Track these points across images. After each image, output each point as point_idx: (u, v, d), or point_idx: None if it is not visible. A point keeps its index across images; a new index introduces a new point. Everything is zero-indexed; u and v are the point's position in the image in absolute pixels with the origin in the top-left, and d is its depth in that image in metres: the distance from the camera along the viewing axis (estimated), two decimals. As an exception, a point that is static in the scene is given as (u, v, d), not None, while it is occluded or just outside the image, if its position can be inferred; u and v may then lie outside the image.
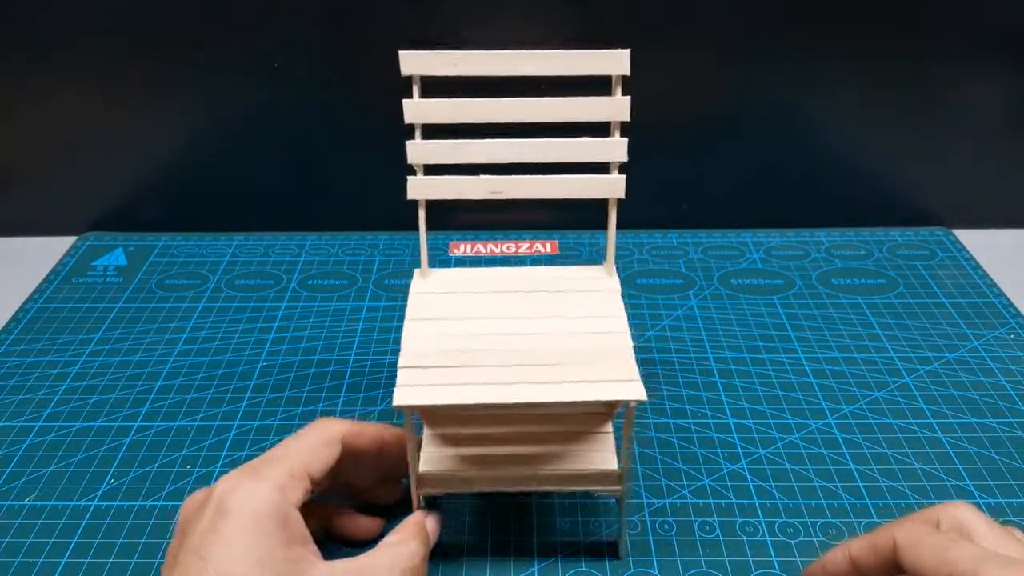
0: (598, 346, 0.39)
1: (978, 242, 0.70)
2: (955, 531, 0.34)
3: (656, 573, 0.42)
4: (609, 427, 0.43)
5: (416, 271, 0.47)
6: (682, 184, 0.70)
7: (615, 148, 0.42)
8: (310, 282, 0.66)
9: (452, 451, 0.41)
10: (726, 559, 0.43)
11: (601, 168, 0.43)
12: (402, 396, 0.36)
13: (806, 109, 0.67)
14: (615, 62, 0.40)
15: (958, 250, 0.69)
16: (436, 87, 0.42)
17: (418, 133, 0.43)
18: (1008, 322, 0.61)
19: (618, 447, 0.41)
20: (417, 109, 0.42)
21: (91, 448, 0.50)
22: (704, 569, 0.43)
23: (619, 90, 0.41)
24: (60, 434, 0.51)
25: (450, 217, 0.72)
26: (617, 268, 0.45)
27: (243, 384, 0.55)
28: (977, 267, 0.67)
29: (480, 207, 0.71)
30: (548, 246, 0.70)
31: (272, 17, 0.63)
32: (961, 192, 0.72)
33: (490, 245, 0.68)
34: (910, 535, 0.34)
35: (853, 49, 0.64)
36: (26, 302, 0.64)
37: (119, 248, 0.71)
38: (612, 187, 0.43)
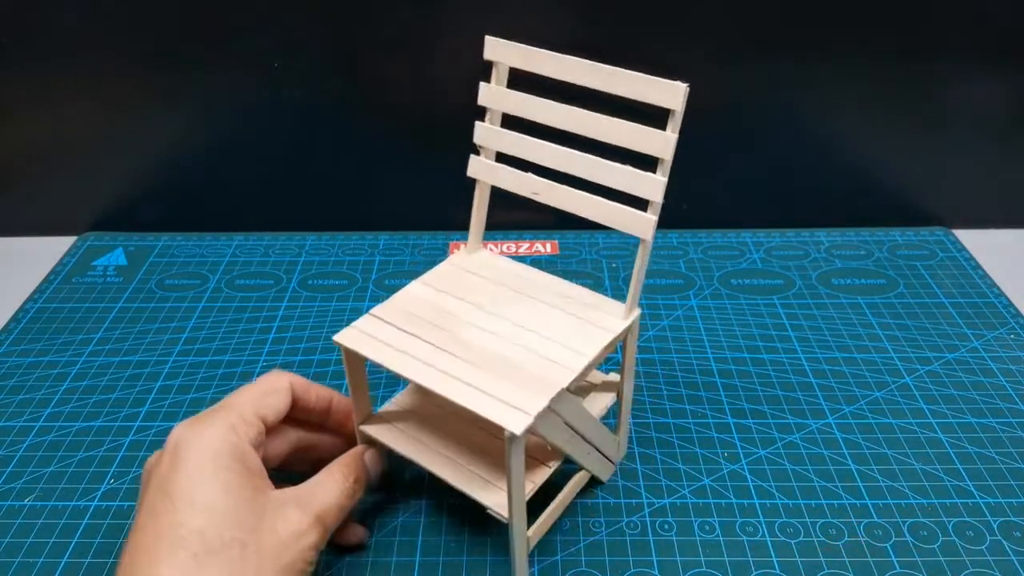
0: (535, 371, 0.39)
1: (978, 242, 0.70)
2: None
3: (656, 573, 0.42)
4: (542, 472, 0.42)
5: (463, 245, 0.49)
6: (682, 184, 0.70)
7: (651, 185, 0.38)
8: (310, 282, 0.66)
9: (400, 409, 0.45)
10: (726, 559, 0.43)
11: (636, 198, 0.40)
12: (345, 335, 0.41)
13: (806, 109, 0.67)
14: (668, 94, 0.37)
15: (958, 250, 0.69)
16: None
17: (488, 117, 0.45)
18: (1008, 322, 0.61)
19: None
20: (492, 94, 0.44)
21: (91, 448, 0.50)
22: (704, 569, 0.43)
23: (672, 125, 0.38)
24: (60, 434, 0.51)
25: (450, 217, 0.72)
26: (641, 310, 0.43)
27: (243, 384, 0.55)
28: (977, 267, 0.67)
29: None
30: (548, 246, 0.70)
31: (272, 18, 0.63)
32: (961, 192, 0.72)
33: (490, 245, 0.68)
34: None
35: (854, 49, 0.64)
36: (26, 302, 0.64)
37: (119, 248, 0.71)
38: (643, 226, 0.39)
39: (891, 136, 0.69)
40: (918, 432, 0.51)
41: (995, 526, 0.45)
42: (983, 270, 0.67)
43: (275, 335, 0.60)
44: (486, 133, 0.45)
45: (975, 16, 0.63)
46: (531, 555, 0.43)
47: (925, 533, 0.44)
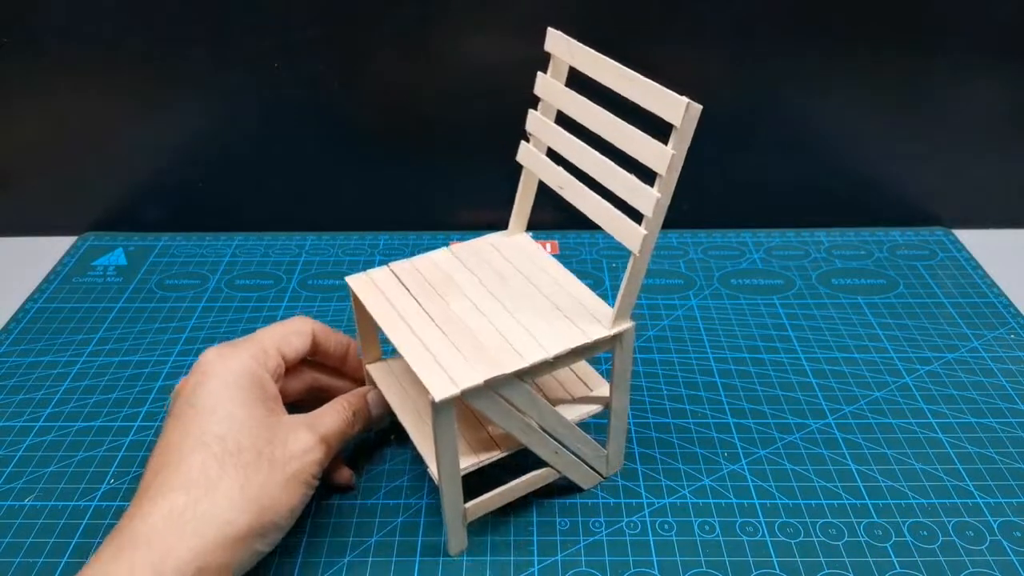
0: (492, 352, 0.40)
1: (978, 242, 0.70)
2: None
3: (656, 573, 0.42)
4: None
5: (508, 229, 0.50)
6: (682, 184, 0.70)
7: (646, 199, 0.37)
8: (310, 282, 0.66)
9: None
10: (726, 559, 0.43)
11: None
12: (355, 279, 0.46)
13: (806, 109, 0.67)
14: (671, 108, 0.35)
15: (958, 250, 0.69)
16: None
17: (541, 107, 0.45)
18: (1008, 322, 0.61)
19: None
20: (547, 86, 0.44)
21: (91, 448, 0.50)
22: (704, 569, 0.43)
23: (674, 141, 0.36)
24: (60, 434, 0.51)
25: (450, 217, 0.72)
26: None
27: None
28: (977, 267, 0.67)
29: (481, 206, 0.71)
30: (548, 246, 0.70)
31: (272, 18, 0.63)
32: (961, 192, 0.72)
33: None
34: None
35: (853, 49, 0.64)
36: (26, 302, 0.64)
37: (119, 248, 0.71)
38: (633, 239, 0.39)
39: (891, 136, 0.69)
40: (918, 432, 0.51)
41: (995, 526, 0.45)
42: (983, 270, 0.67)
43: (275, 335, 0.60)
44: (538, 123, 0.45)
45: (975, 16, 0.63)
46: (531, 555, 0.43)
47: (925, 533, 0.44)
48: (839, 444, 0.50)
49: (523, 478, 0.44)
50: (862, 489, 0.47)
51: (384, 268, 0.47)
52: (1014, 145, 0.69)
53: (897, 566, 0.43)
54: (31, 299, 0.64)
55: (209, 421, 0.39)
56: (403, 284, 0.45)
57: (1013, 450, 0.50)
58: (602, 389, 0.46)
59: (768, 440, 0.51)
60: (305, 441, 0.41)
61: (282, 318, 0.61)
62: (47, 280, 0.66)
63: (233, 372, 0.41)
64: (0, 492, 0.48)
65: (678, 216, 0.72)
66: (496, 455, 0.42)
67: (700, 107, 0.35)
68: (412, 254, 0.69)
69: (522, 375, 0.39)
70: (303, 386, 0.47)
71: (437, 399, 0.37)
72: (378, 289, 0.45)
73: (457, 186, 0.71)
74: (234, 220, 0.73)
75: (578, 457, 0.45)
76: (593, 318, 0.42)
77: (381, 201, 0.72)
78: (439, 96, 0.67)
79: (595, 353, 0.42)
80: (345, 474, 0.47)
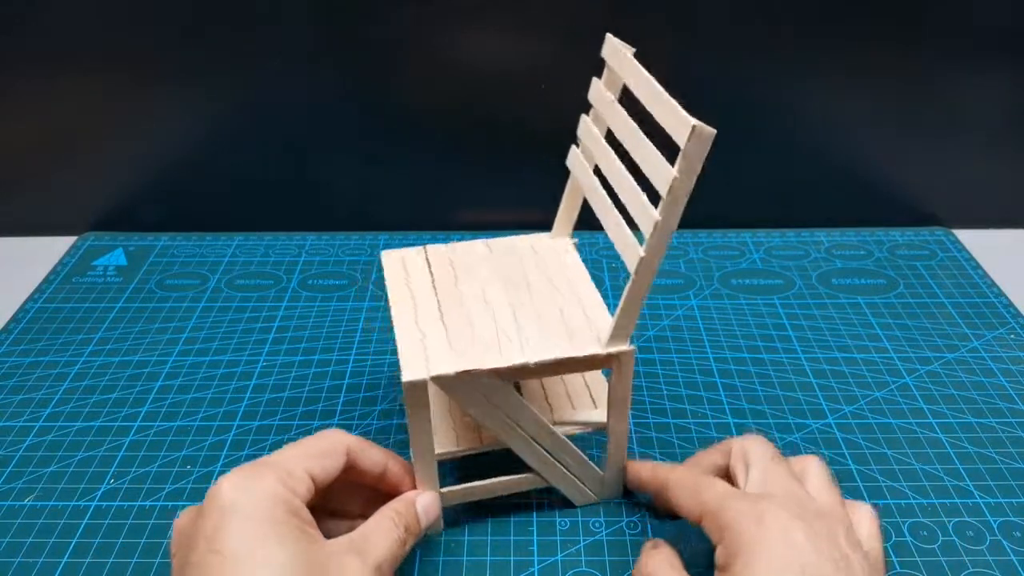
0: (479, 348, 0.40)
1: (978, 242, 0.70)
2: (741, 461, 0.39)
3: (656, 573, 0.42)
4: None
5: (552, 232, 0.50)
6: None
7: (646, 216, 0.36)
8: (310, 282, 0.66)
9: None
10: (726, 559, 0.43)
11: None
12: (388, 254, 0.48)
13: (806, 109, 0.67)
14: (678, 128, 0.34)
15: (958, 250, 0.69)
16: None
17: (592, 114, 0.45)
18: (1008, 322, 0.61)
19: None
20: (597, 91, 0.44)
21: (91, 448, 0.50)
22: (704, 569, 0.43)
23: (681, 165, 0.34)
24: (60, 434, 0.51)
25: (451, 217, 0.72)
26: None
27: (243, 384, 0.55)
28: (977, 267, 0.67)
29: (481, 206, 0.71)
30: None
31: (272, 17, 0.63)
32: (961, 192, 0.72)
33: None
34: (678, 479, 0.40)
35: (853, 49, 0.64)
36: (26, 302, 0.64)
37: (119, 248, 0.71)
38: (631, 256, 0.37)
39: (891, 136, 0.69)
40: (918, 432, 0.51)
41: (995, 526, 0.45)
42: (983, 270, 0.67)
43: (275, 335, 0.60)
44: (585, 127, 0.45)
45: (975, 16, 0.63)
46: (531, 555, 0.43)
47: (925, 533, 0.44)
48: (839, 444, 0.50)
49: (505, 478, 0.44)
50: (862, 489, 0.47)
51: (420, 248, 0.48)
52: (1014, 145, 0.69)
53: (897, 566, 0.43)
54: (31, 299, 0.64)
55: (244, 572, 0.32)
56: (429, 267, 0.46)
57: (1013, 450, 0.50)
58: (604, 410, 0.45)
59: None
60: (358, 574, 0.34)
61: (282, 318, 0.62)
62: (47, 280, 0.66)
63: (260, 503, 0.33)
64: (0, 492, 0.48)
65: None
66: (478, 448, 0.43)
67: (712, 132, 0.33)
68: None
69: (501, 375, 0.39)
70: (359, 510, 0.41)
71: (404, 379, 0.38)
72: (404, 268, 0.46)
73: (458, 186, 0.71)
74: (234, 220, 0.73)
75: (569, 471, 0.44)
76: (593, 334, 0.41)
77: (381, 201, 0.72)
78: (440, 96, 0.67)
79: (590, 369, 0.41)
80: None
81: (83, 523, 0.45)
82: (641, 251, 0.37)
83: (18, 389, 0.55)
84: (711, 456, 0.42)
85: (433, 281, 0.45)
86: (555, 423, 0.44)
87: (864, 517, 0.38)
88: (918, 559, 0.43)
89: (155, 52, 0.65)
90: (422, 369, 0.38)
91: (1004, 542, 0.44)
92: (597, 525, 0.45)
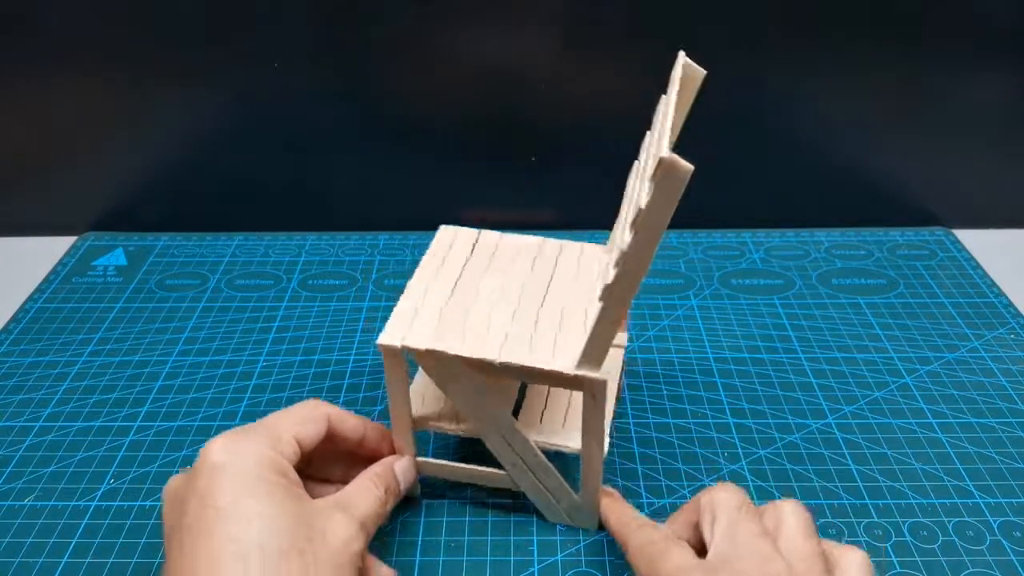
0: (461, 332, 0.41)
1: (978, 242, 0.70)
2: (708, 513, 0.36)
3: (656, 573, 0.42)
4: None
5: (607, 244, 0.49)
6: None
7: (620, 238, 0.36)
8: (310, 282, 0.66)
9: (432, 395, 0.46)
10: (726, 559, 0.43)
11: None
12: (444, 230, 0.49)
13: (806, 109, 0.67)
14: (653, 157, 0.32)
15: (958, 250, 0.69)
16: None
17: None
18: (1008, 322, 0.61)
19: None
20: (660, 109, 0.43)
21: (91, 448, 0.50)
22: (704, 569, 0.43)
23: (650, 197, 0.32)
24: (60, 434, 0.51)
25: (451, 217, 0.72)
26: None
27: (243, 384, 0.55)
28: (977, 267, 0.67)
29: (482, 206, 0.71)
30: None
31: (272, 17, 0.63)
32: (961, 192, 0.72)
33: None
34: (637, 547, 0.37)
35: (853, 49, 0.64)
36: (26, 302, 0.64)
37: (119, 248, 0.71)
38: (605, 280, 0.36)
39: (891, 136, 0.69)
40: (918, 432, 0.51)
41: (995, 526, 0.45)
42: (983, 270, 0.67)
43: (275, 335, 0.60)
44: (645, 146, 0.45)
45: (975, 16, 0.63)
46: (531, 555, 0.43)
47: (925, 533, 0.44)
48: (839, 444, 0.50)
49: (482, 468, 0.44)
50: (862, 489, 0.47)
51: (475, 232, 0.49)
52: (1014, 145, 0.69)
53: (897, 566, 0.43)
54: (31, 299, 0.64)
55: (238, 525, 0.33)
56: (472, 252, 0.47)
57: (1013, 450, 0.50)
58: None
59: (768, 440, 0.51)
60: (345, 530, 0.36)
61: (282, 318, 0.62)
62: (47, 280, 0.66)
63: (250, 462, 0.35)
64: (0, 492, 0.48)
65: (678, 215, 0.73)
66: (454, 429, 0.43)
67: (688, 169, 0.30)
68: (412, 254, 0.70)
69: (469, 364, 0.39)
70: (340, 475, 0.43)
71: (378, 341, 0.40)
72: (450, 246, 0.48)
73: (457, 186, 0.71)
74: (234, 220, 0.73)
75: (542, 485, 0.44)
76: (571, 350, 0.39)
77: (381, 201, 0.72)
78: (440, 96, 0.67)
79: (565, 387, 0.39)
80: (384, 573, 0.40)
81: (83, 523, 0.45)
82: (610, 277, 0.35)
83: (18, 389, 0.55)
84: (684, 515, 0.38)
85: (464, 265, 0.46)
86: (535, 437, 0.43)
87: (853, 564, 0.34)
88: (918, 559, 0.43)
89: (155, 52, 0.65)
90: (398, 337, 0.40)
91: (1004, 542, 0.44)
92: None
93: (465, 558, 0.43)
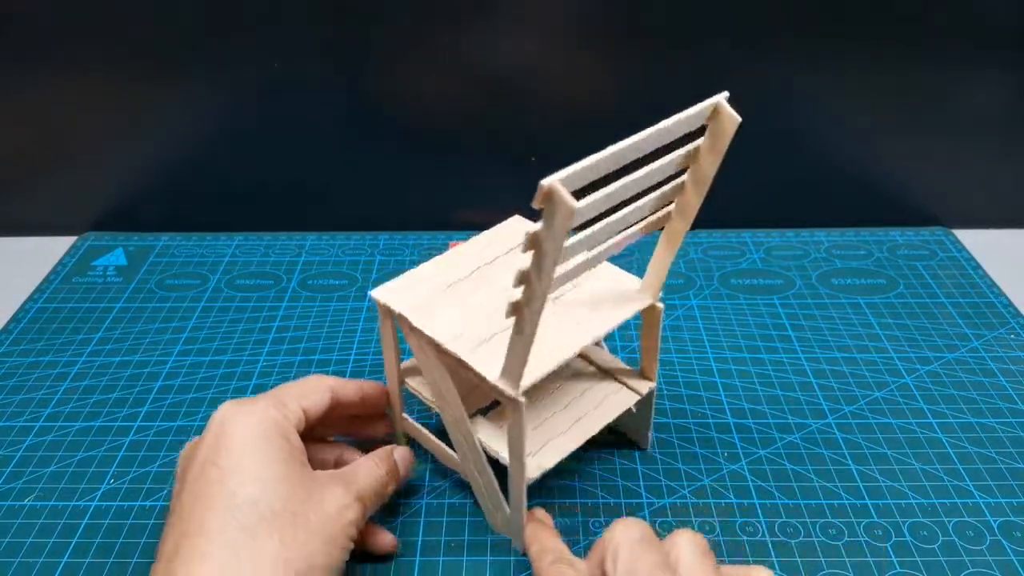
0: (447, 308, 0.42)
1: (978, 242, 0.70)
2: (610, 549, 0.34)
3: (656, 573, 0.42)
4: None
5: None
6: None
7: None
8: (310, 282, 0.66)
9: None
10: (726, 559, 0.43)
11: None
12: (516, 220, 0.50)
13: (806, 109, 0.67)
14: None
15: (958, 250, 0.69)
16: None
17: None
18: (1008, 322, 0.61)
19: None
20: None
21: (91, 448, 0.50)
22: None
23: (541, 229, 0.30)
24: (60, 434, 0.51)
25: (450, 217, 0.72)
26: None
27: (243, 384, 0.55)
28: (977, 267, 0.67)
29: (481, 206, 0.71)
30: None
31: (272, 17, 0.63)
32: (961, 192, 0.72)
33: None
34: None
35: (853, 49, 0.64)
36: (26, 302, 0.64)
37: (119, 248, 0.71)
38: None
39: (891, 136, 0.69)
40: (918, 432, 0.51)
41: (995, 526, 0.45)
42: (983, 270, 0.67)
43: (275, 335, 0.60)
44: None
45: (975, 16, 0.63)
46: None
47: (925, 533, 0.45)
48: (839, 444, 0.50)
49: (447, 448, 0.45)
50: (862, 489, 0.47)
51: (524, 221, 0.49)
52: (1014, 145, 0.69)
53: (897, 566, 0.43)
54: (31, 299, 0.64)
55: (238, 482, 0.36)
56: (491, 239, 0.47)
57: (1013, 450, 0.50)
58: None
59: (768, 440, 0.51)
60: (341, 499, 0.38)
61: (282, 318, 0.62)
62: (47, 280, 0.66)
63: (258, 425, 0.38)
64: (0, 492, 0.48)
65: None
66: (425, 398, 0.45)
67: (571, 208, 0.28)
68: (412, 254, 0.70)
69: (423, 339, 0.41)
70: (332, 460, 0.45)
71: (370, 293, 0.43)
72: (505, 235, 0.48)
73: (457, 186, 0.71)
74: (234, 220, 0.73)
75: (480, 486, 0.44)
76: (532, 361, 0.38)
77: (381, 201, 0.72)
78: (439, 96, 0.67)
79: (495, 394, 0.39)
80: (386, 540, 0.43)
81: (83, 523, 0.45)
82: (515, 295, 0.34)
83: (18, 389, 0.55)
84: (595, 554, 0.36)
85: (501, 256, 0.46)
86: (479, 435, 0.42)
87: None
88: (918, 559, 0.43)
89: (155, 52, 0.65)
90: (385, 295, 0.43)
91: (1004, 542, 0.44)
92: (597, 525, 0.45)
93: (465, 558, 0.44)
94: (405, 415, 0.48)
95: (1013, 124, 0.68)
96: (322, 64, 0.65)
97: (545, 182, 0.28)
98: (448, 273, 0.45)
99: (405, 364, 0.47)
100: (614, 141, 0.34)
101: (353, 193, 0.72)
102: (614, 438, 0.50)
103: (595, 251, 0.38)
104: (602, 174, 0.31)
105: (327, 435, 0.46)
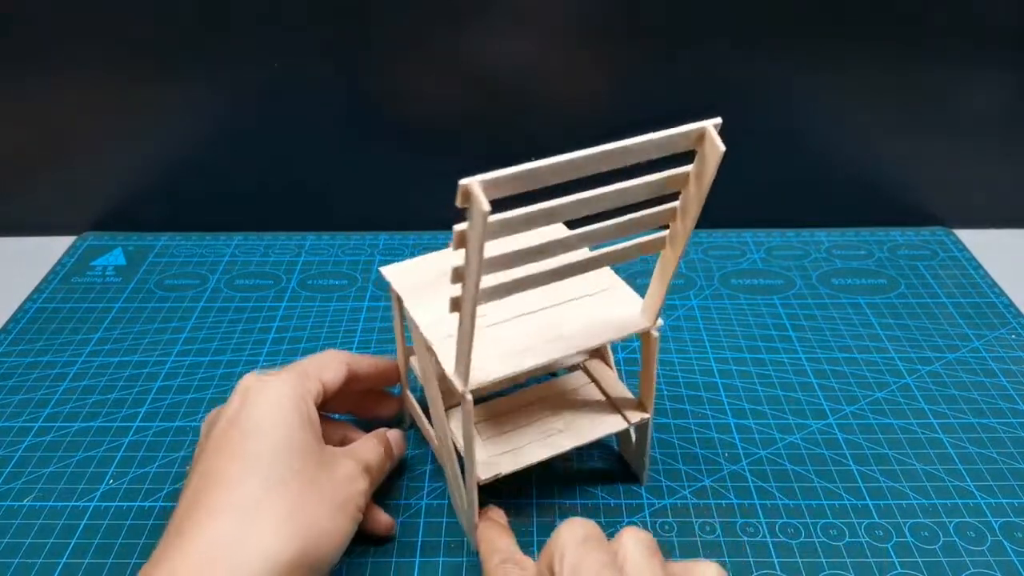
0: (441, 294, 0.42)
1: (978, 242, 0.70)
2: (557, 551, 0.34)
3: (656, 573, 0.42)
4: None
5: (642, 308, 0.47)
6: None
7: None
8: (310, 282, 0.66)
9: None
10: (727, 559, 0.43)
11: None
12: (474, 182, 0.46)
13: (806, 109, 0.67)
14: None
15: (958, 250, 0.69)
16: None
17: None
18: (1009, 322, 0.61)
19: None
20: None
21: (90, 448, 0.50)
22: None
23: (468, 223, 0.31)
24: (59, 434, 0.51)
25: (450, 217, 0.72)
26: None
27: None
28: (978, 267, 0.67)
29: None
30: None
31: (272, 17, 0.63)
32: (961, 192, 0.72)
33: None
34: None
35: (853, 49, 0.64)
36: (25, 302, 0.64)
37: (119, 248, 0.71)
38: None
39: (891, 136, 0.68)
40: (919, 432, 0.51)
41: (996, 526, 0.45)
42: (984, 270, 0.67)
43: (275, 335, 0.60)
44: None
45: (975, 16, 0.63)
46: (531, 555, 0.43)
47: (926, 533, 0.44)
48: (840, 444, 0.50)
49: (432, 430, 0.46)
50: (863, 489, 0.47)
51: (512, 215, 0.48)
52: (1014, 145, 0.69)
53: (898, 566, 0.43)
54: (30, 299, 0.64)
55: (258, 444, 0.37)
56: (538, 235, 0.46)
57: (1014, 450, 0.50)
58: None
59: (769, 440, 0.50)
60: (351, 469, 0.40)
61: (282, 318, 0.62)
62: (46, 280, 0.66)
63: (279, 395, 0.40)
64: (0, 492, 0.48)
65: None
66: (418, 376, 0.46)
67: (484, 211, 0.29)
68: (412, 254, 0.69)
69: (416, 325, 0.41)
70: (338, 439, 0.46)
71: (380, 268, 0.45)
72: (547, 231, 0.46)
73: (457, 186, 0.71)
74: (234, 220, 0.73)
75: (449, 473, 0.44)
76: (484, 364, 0.39)
77: (381, 201, 0.72)
78: (439, 96, 0.67)
79: (453, 393, 0.39)
80: (384, 521, 0.44)
81: (82, 523, 0.45)
82: (455, 290, 0.35)
83: (17, 389, 0.55)
84: (544, 557, 0.35)
85: (512, 254, 0.44)
86: (451, 423, 0.44)
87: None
88: (919, 559, 0.43)
89: (155, 52, 0.65)
90: (392, 274, 0.44)
91: (1005, 543, 0.44)
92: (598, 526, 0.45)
93: (465, 558, 0.43)
94: (408, 392, 0.49)
95: (1013, 124, 0.68)
96: (322, 64, 0.65)
97: (464, 181, 0.28)
98: (446, 263, 0.45)
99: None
100: (614, 142, 0.34)
101: (353, 193, 0.72)
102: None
103: (557, 263, 0.37)
104: (537, 185, 0.31)
105: (337, 411, 0.48)
